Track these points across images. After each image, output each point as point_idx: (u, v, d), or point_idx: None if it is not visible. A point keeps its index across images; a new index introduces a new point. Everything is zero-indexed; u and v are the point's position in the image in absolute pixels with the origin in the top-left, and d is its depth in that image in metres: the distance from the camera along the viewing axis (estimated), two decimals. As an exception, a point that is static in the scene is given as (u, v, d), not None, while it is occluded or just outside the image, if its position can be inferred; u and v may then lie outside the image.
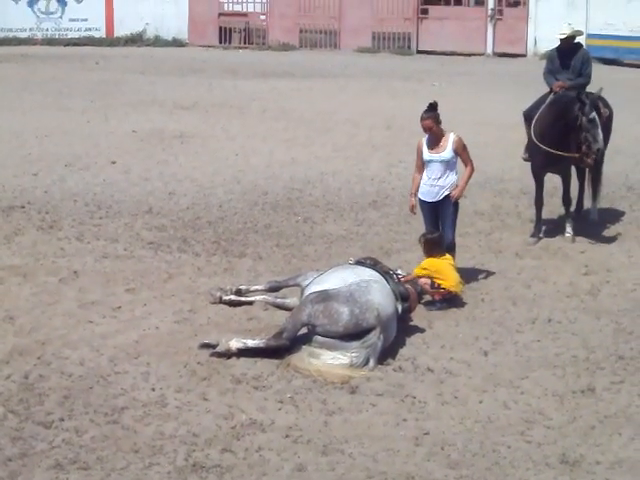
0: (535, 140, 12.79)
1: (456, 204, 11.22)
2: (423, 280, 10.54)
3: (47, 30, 38.86)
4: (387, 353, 9.16)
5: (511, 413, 8.13)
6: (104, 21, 39.40)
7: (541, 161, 12.95)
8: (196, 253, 12.29)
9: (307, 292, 9.51)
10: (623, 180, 16.44)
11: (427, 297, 10.60)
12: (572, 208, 13.43)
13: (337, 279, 9.40)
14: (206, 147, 18.77)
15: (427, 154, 11.10)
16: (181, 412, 7.99)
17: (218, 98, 24.88)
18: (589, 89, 13.30)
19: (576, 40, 13.46)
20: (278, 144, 19.14)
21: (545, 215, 13.45)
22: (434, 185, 11.10)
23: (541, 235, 13.12)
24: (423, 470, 7.19)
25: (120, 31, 39.31)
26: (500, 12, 36.48)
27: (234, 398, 8.25)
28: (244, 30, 39.37)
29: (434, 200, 11.16)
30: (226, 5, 39.49)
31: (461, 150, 11.08)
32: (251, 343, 9.00)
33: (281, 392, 8.37)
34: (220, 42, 39.15)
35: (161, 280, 11.21)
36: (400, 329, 9.56)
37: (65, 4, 38.93)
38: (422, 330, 9.92)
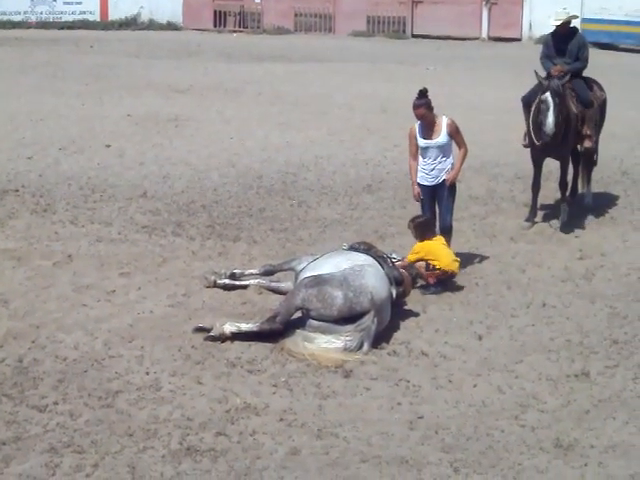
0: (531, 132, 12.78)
1: (454, 188, 11.22)
2: (418, 264, 10.53)
3: (41, 13, 38.74)
4: (381, 337, 9.16)
5: (505, 397, 8.14)
6: (98, 4, 39.27)
7: (541, 147, 12.93)
8: (190, 237, 12.27)
9: (301, 277, 9.52)
10: (618, 165, 16.44)
11: (422, 282, 10.60)
12: (568, 192, 13.44)
13: (330, 265, 9.40)
14: (201, 131, 18.73)
15: (422, 141, 11.07)
16: (175, 396, 7.99)
17: (213, 82, 24.84)
18: (585, 74, 13.33)
19: (571, 24, 13.45)
20: (273, 128, 19.10)
21: (540, 200, 13.44)
22: (432, 169, 11.10)
23: (536, 219, 13.13)
24: (417, 454, 7.19)
25: (114, 14, 39.20)
26: (495, -4, 36.49)
27: (228, 382, 8.25)
28: (239, 14, 39.28)
29: (432, 184, 11.15)
30: (221, -12, 39.46)
31: (455, 133, 11.07)
32: (245, 327, 9.00)
33: (275, 376, 8.38)
34: (215, 26, 39.03)
35: (155, 264, 11.20)
36: (394, 313, 9.55)
37: (59, -13, 38.86)
38: (416, 314, 9.92)
